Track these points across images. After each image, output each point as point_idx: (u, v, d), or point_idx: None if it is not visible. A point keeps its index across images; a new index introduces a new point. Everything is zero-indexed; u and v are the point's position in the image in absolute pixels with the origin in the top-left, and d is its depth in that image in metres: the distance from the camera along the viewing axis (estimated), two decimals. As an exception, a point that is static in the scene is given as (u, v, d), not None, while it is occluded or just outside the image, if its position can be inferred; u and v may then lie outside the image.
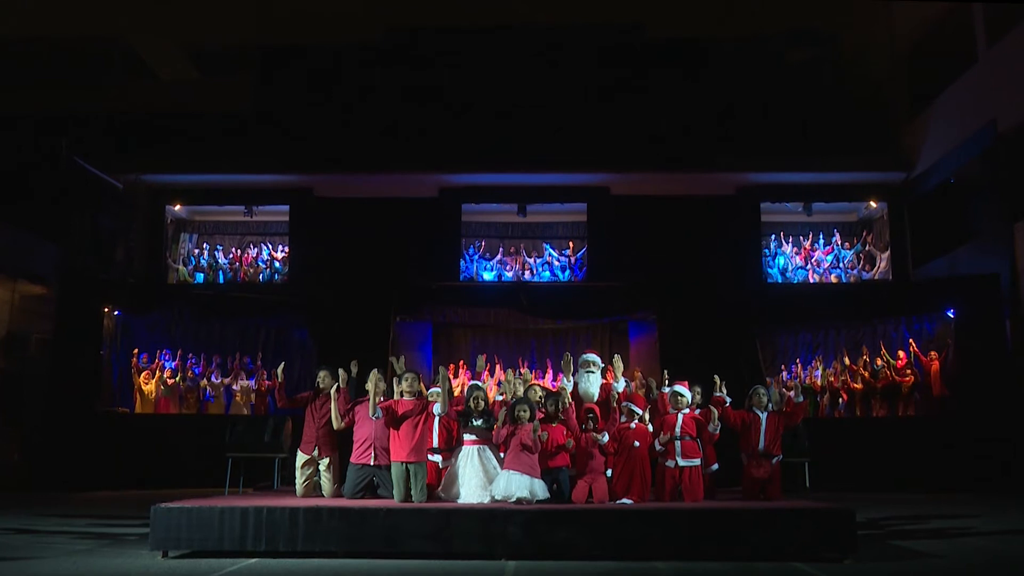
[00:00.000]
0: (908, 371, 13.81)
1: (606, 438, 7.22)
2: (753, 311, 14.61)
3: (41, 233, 14.24)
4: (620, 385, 7.92)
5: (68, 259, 14.43)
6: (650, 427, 7.47)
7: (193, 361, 14.64)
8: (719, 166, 16.20)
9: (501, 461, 7.09)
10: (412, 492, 6.95)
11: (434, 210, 16.62)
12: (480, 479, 7.01)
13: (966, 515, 9.06)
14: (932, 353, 13.80)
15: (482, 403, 7.30)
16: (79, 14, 16.07)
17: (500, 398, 7.80)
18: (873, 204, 16.88)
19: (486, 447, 7.20)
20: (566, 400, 7.39)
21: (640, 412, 7.45)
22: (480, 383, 7.76)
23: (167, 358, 14.57)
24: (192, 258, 17.14)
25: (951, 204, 15.14)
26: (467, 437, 7.25)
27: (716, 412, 7.42)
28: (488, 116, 16.37)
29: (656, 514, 6.39)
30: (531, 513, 6.24)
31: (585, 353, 8.10)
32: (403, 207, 16.52)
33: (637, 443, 7.28)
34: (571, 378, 7.95)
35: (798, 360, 14.94)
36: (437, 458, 7.59)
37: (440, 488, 7.30)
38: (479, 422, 7.21)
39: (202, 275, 16.93)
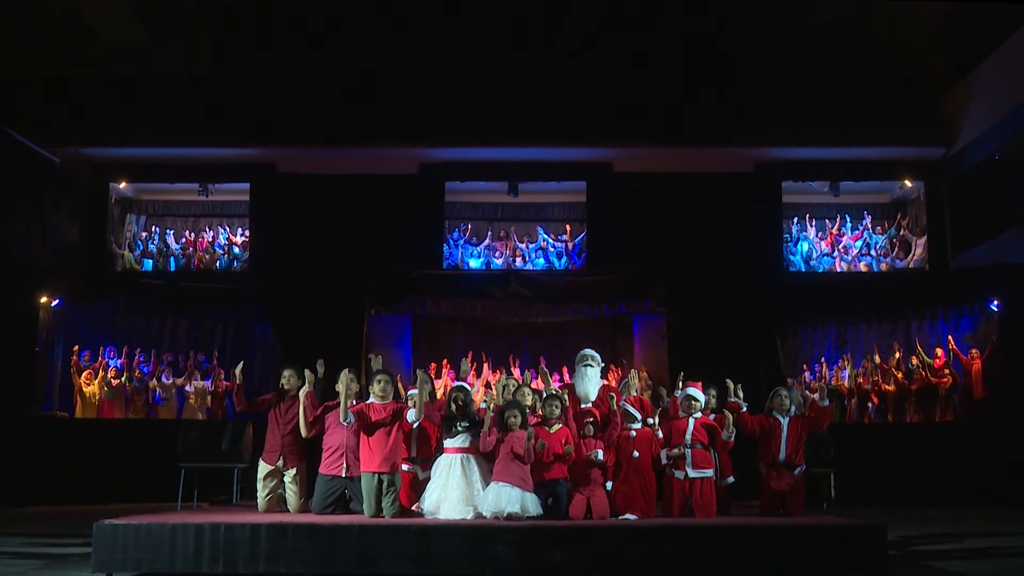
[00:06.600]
0: (946, 371, 13.86)
1: (600, 455, 7.22)
2: (773, 303, 14.67)
3: (-34, 214, 14.16)
4: (632, 395, 7.85)
5: (-3, 243, 14.37)
6: (659, 434, 7.48)
7: (141, 359, 14.57)
8: (736, 140, 16.18)
9: (488, 471, 7.08)
10: (383, 505, 6.96)
11: (414, 189, 16.57)
12: (462, 492, 6.97)
13: (1009, 532, 9.12)
14: (973, 351, 13.87)
15: (467, 406, 7.26)
16: (9, -36, 15.90)
17: (484, 405, 7.78)
18: (908, 183, 16.89)
19: (471, 456, 7.15)
20: (564, 400, 7.38)
21: (638, 415, 7.46)
22: (466, 385, 7.74)
23: (111, 355, 14.51)
24: (139, 242, 17.05)
25: (996, 183, 15.19)
26: (449, 444, 7.21)
27: (731, 418, 7.44)
28: (475, 82, 16.28)
29: (664, 531, 6.41)
30: (523, 530, 6.24)
31: (583, 349, 8.09)
32: (378, 185, 16.46)
33: (637, 453, 7.28)
34: (552, 388, 7.92)
35: (823, 359, 15.00)
36: (415, 468, 7.59)
37: (417, 503, 7.29)
38: (463, 427, 7.16)
39: (151, 262, 16.86)
